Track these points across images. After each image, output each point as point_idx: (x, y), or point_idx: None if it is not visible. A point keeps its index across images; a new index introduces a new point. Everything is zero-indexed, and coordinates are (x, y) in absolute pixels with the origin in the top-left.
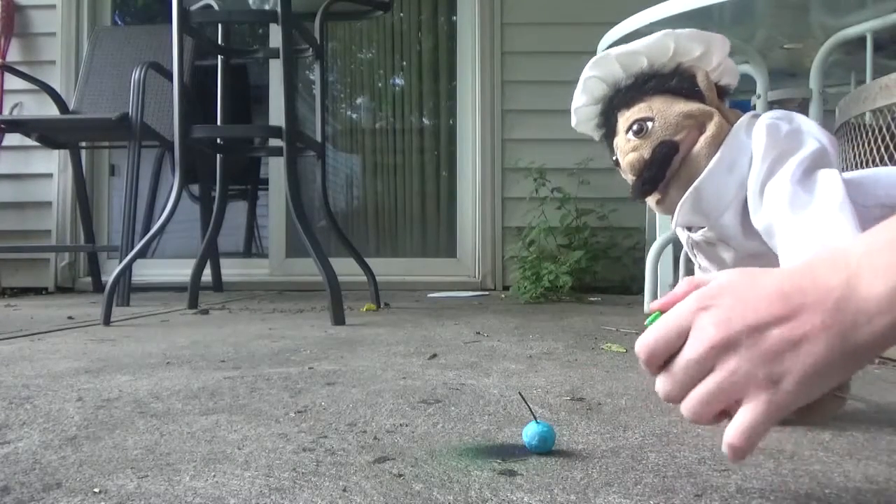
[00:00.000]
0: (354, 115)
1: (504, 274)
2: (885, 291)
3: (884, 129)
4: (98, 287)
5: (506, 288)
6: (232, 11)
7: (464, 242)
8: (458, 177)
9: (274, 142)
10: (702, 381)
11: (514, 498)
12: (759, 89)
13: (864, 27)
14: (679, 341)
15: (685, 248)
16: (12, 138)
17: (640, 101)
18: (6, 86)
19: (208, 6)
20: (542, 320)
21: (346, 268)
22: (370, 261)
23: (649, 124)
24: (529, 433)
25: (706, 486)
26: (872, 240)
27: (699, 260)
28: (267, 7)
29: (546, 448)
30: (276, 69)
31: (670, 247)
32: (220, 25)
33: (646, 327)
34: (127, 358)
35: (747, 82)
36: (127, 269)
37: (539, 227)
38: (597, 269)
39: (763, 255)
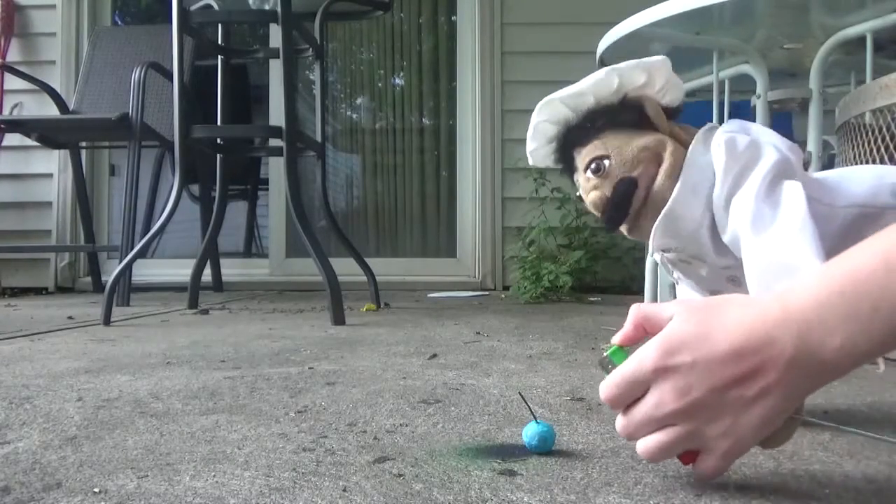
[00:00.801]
0: (354, 115)
1: (504, 274)
2: (839, 345)
3: (884, 129)
4: (98, 287)
5: (506, 288)
6: (232, 11)
7: (464, 242)
8: (458, 177)
9: (274, 142)
10: (660, 430)
11: (514, 498)
12: (759, 89)
13: (864, 27)
14: (639, 393)
15: (661, 265)
16: (12, 138)
17: (594, 139)
18: (6, 86)
19: (208, 6)
20: (542, 320)
21: (346, 268)
22: (370, 261)
23: (606, 162)
24: (529, 433)
25: (706, 486)
26: (821, 290)
27: (676, 275)
28: (267, 7)
29: (546, 448)
30: (276, 69)
31: None
32: (220, 25)
33: (605, 359)
34: (127, 358)
35: (747, 82)
36: (127, 269)
37: (539, 227)
38: (597, 269)
39: (737, 268)
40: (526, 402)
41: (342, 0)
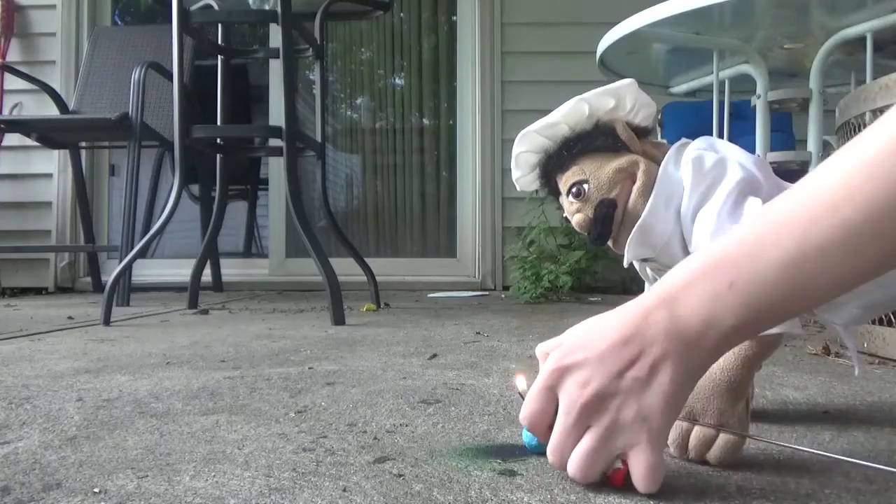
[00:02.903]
0: (354, 115)
1: (504, 274)
2: (704, 318)
3: None
4: (98, 287)
5: (506, 288)
6: (232, 11)
7: (464, 242)
8: (458, 177)
9: (274, 142)
10: (580, 440)
11: (514, 498)
12: (759, 89)
13: (864, 27)
14: (551, 403)
15: (640, 273)
16: (12, 138)
17: (572, 165)
18: (6, 86)
19: (208, 6)
20: (542, 320)
21: (346, 268)
22: (370, 261)
23: (585, 186)
24: (530, 433)
25: (706, 487)
26: (688, 272)
27: (650, 281)
28: (267, 7)
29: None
30: (276, 69)
31: None
32: (220, 25)
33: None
34: (127, 358)
35: (747, 82)
36: (127, 269)
37: (539, 227)
38: (597, 269)
39: None
40: None
41: (342, 0)
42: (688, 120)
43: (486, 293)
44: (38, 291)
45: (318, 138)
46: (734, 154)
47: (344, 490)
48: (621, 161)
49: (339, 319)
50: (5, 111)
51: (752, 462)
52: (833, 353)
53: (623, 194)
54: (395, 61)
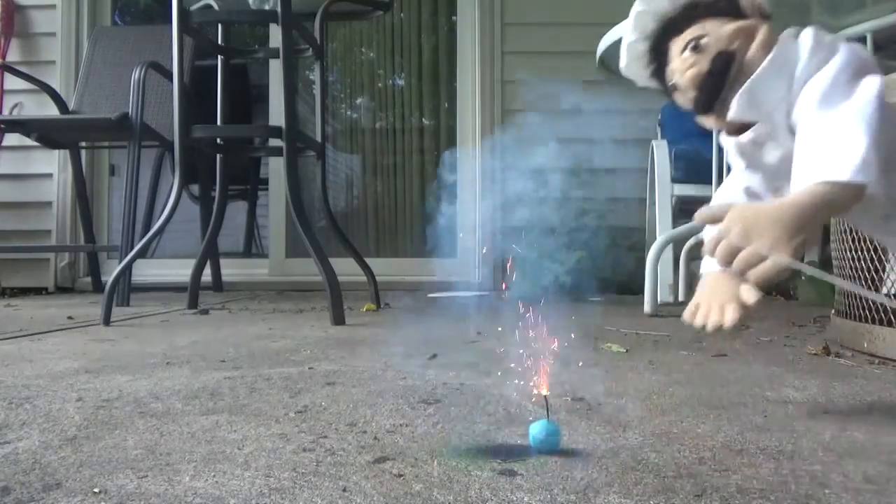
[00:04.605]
0: (354, 115)
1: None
2: None
3: None
4: (98, 287)
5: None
6: (232, 11)
7: (464, 242)
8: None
9: (274, 142)
10: None
11: (514, 498)
12: None
13: (864, 27)
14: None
15: (728, 159)
16: (12, 138)
17: (692, 24)
18: (6, 86)
19: (208, 6)
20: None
21: (346, 268)
22: (370, 261)
23: (704, 40)
24: (538, 427)
25: (706, 486)
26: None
27: (741, 165)
28: (267, 7)
29: (550, 445)
30: (276, 69)
31: (670, 247)
32: (220, 25)
33: None
34: (127, 358)
35: None
36: (127, 269)
37: (540, 227)
38: (597, 269)
39: None
40: (546, 402)
41: (342, 0)
42: (688, 120)
43: (486, 293)
44: (39, 291)
45: (318, 138)
46: (850, 42)
47: (344, 490)
48: (741, 23)
49: (339, 319)
50: (5, 111)
51: (752, 462)
52: (833, 353)
53: (742, 49)
54: (395, 62)
